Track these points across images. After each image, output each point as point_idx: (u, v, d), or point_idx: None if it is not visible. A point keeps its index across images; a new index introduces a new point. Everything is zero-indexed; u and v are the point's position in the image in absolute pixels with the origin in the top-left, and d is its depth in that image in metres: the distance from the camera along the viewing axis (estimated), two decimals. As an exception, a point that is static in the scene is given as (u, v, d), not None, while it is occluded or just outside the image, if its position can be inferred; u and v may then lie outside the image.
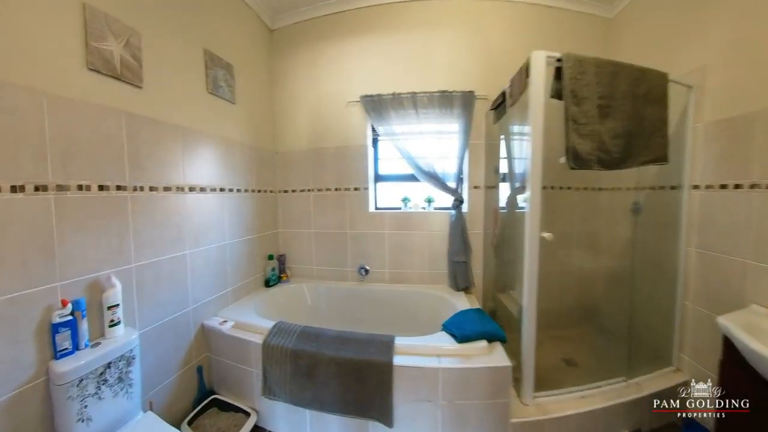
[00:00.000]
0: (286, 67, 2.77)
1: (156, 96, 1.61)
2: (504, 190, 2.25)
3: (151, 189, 1.59)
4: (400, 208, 2.70)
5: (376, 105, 2.54)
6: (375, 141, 2.74)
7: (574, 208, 2.53)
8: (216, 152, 2.05)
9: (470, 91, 2.42)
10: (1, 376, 1.05)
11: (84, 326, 1.27)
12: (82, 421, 1.20)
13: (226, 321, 1.97)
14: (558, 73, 1.56)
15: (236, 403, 1.85)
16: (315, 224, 2.76)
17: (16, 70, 1.07)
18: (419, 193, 2.71)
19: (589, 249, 2.56)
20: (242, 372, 1.85)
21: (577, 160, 1.57)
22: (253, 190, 2.44)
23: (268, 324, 1.88)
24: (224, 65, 2.11)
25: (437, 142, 2.51)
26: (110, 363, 1.30)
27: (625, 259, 2.26)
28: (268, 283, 2.54)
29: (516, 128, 2.28)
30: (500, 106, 2.16)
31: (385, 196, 2.80)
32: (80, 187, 1.28)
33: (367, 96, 2.53)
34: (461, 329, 1.73)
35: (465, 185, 2.57)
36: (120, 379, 1.34)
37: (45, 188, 1.16)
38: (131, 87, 1.49)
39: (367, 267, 2.66)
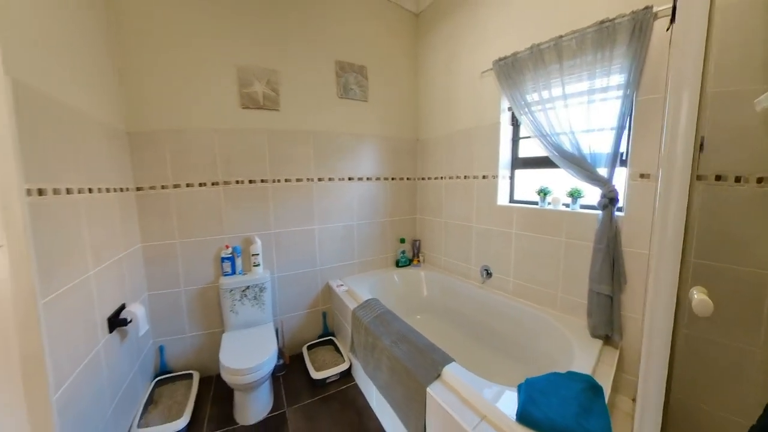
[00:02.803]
0: (429, 49, 2.85)
1: (290, 113, 2.43)
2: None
3: (286, 181, 2.46)
4: (536, 203, 2.15)
5: (509, 69, 2.13)
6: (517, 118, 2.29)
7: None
8: (344, 147, 2.66)
9: (645, 8, 1.50)
10: (199, 276, 2.27)
11: (238, 262, 2.35)
12: (233, 312, 2.28)
13: (342, 285, 2.65)
14: None
15: (342, 349, 2.53)
16: (445, 213, 2.78)
17: (199, 118, 2.16)
18: (564, 184, 2.03)
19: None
20: (345, 327, 2.47)
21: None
22: (386, 178, 2.87)
23: (366, 297, 2.36)
24: (356, 69, 2.63)
25: (585, 108, 1.78)
26: (248, 286, 2.31)
27: None
28: (398, 264, 2.95)
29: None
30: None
31: (526, 186, 2.30)
32: (237, 182, 2.31)
33: (500, 59, 2.17)
34: (533, 405, 1.21)
35: (625, 173, 1.68)
36: (255, 298, 2.34)
37: (216, 183, 2.25)
38: (271, 111, 2.37)
39: (490, 269, 2.39)
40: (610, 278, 1.72)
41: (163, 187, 2.09)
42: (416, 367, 1.58)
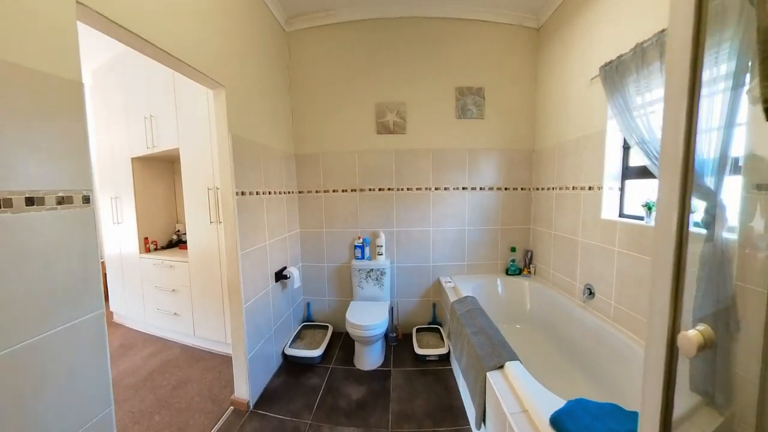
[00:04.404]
0: (545, 61, 2.84)
1: (414, 135, 3.00)
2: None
3: (408, 189, 3.05)
4: (642, 218, 1.95)
5: (613, 73, 2.04)
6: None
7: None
8: (459, 161, 3.01)
9: None
10: (337, 257, 3.15)
11: (367, 250, 3.10)
12: (360, 287, 3.05)
13: (450, 282, 3.02)
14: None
15: (444, 337, 2.94)
16: (555, 225, 2.69)
17: (343, 144, 3.02)
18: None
19: None
20: (447, 317, 2.87)
21: None
22: (499, 188, 3.02)
23: (465, 294, 2.71)
24: (474, 91, 2.94)
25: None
26: (372, 269, 3.03)
27: None
28: (507, 272, 3.03)
29: None
30: None
31: (638, 199, 2.08)
32: (370, 189, 3.06)
33: (606, 64, 2.10)
34: (571, 418, 1.27)
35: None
36: (377, 279, 3.04)
37: (354, 190, 3.06)
38: (399, 135, 3.00)
39: (593, 289, 2.26)
40: (711, 314, 1.49)
41: (316, 192, 3.07)
42: (485, 355, 1.84)
